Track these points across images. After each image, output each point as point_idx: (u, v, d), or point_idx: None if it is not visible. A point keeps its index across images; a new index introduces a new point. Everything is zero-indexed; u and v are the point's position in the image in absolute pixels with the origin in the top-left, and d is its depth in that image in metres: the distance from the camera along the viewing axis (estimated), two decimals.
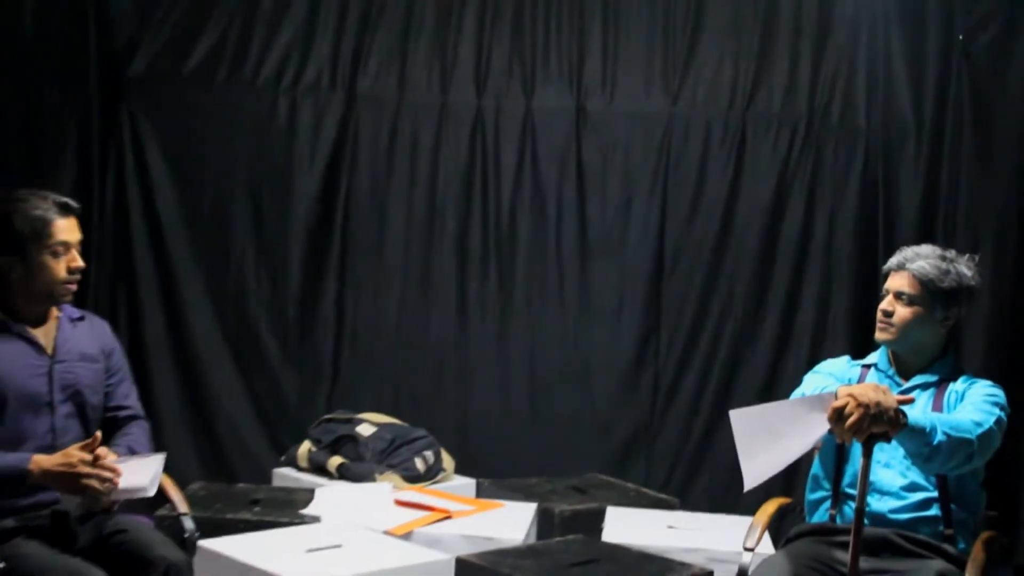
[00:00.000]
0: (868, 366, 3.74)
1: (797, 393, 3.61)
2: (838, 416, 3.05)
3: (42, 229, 3.46)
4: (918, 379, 3.62)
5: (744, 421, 3.19)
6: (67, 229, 3.51)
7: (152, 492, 3.46)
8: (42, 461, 3.28)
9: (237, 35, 6.15)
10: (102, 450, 3.37)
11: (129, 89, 6.06)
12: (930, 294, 3.57)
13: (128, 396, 3.79)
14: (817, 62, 6.21)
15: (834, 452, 3.63)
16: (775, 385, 6.07)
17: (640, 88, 6.25)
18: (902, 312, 3.59)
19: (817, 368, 3.80)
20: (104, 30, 6.05)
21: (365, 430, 5.35)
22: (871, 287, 5.99)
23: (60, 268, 3.50)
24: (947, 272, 3.58)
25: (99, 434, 3.38)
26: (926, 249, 3.65)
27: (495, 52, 6.23)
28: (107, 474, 3.29)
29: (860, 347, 5.46)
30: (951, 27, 6.08)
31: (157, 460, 3.46)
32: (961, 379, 3.59)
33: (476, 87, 6.23)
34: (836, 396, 3.09)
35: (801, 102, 6.21)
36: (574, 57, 6.24)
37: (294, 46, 6.18)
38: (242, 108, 6.17)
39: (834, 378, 3.66)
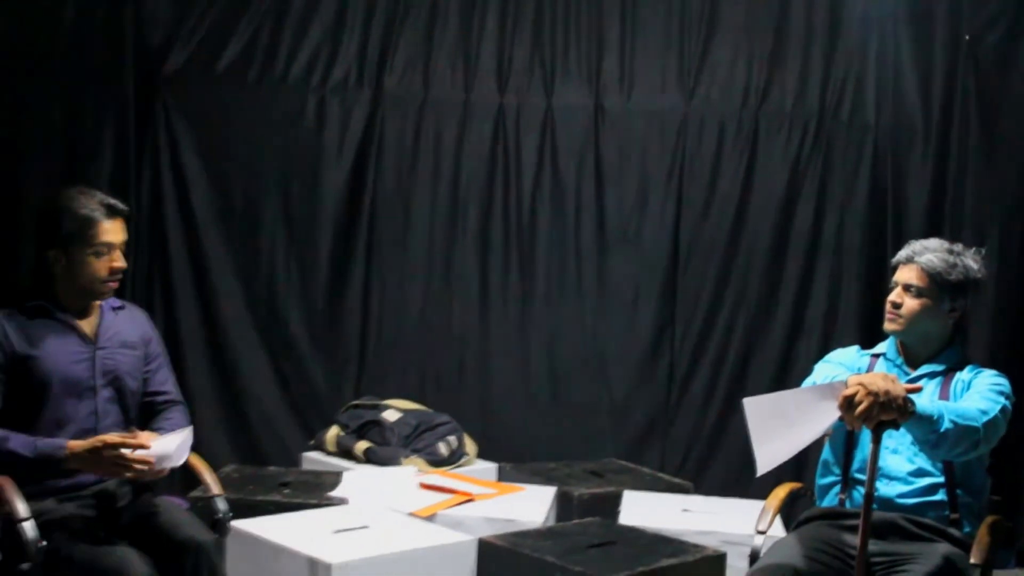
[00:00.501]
0: (877, 355, 3.74)
1: (808, 382, 3.61)
2: (848, 404, 3.06)
3: (88, 229, 3.47)
4: (925, 368, 3.62)
5: (757, 409, 3.19)
6: (112, 231, 3.52)
7: (179, 462, 3.48)
8: (75, 446, 3.30)
9: (268, 34, 6.15)
10: (144, 435, 3.40)
11: (164, 86, 6.07)
12: (938, 286, 3.56)
13: (166, 382, 3.80)
14: (828, 62, 6.20)
15: (844, 438, 3.62)
16: (787, 374, 6.07)
17: (656, 86, 6.25)
18: (910, 304, 3.58)
19: (827, 357, 3.80)
20: (141, 29, 6.07)
21: (391, 416, 5.37)
22: (880, 279, 5.96)
23: (102, 267, 3.51)
24: (954, 265, 3.57)
25: (136, 431, 3.42)
26: (934, 243, 3.65)
27: (516, 51, 6.23)
28: (136, 454, 3.30)
29: (869, 337, 5.43)
30: (958, 29, 6.07)
31: (185, 433, 3.48)
32: (967, 368, 3.59)
33: (498, 85, 6.23)
34: (846, 385, 3.09)
35: (812, 101, 6.20)
36: (593, 56, 6.24)
37: (323, 45, 6.19)
38: (273, 105, 6.18)
39: (844, 367, 3.66)
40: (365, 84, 6.20)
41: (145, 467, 3.31)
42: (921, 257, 3.60)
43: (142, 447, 3.31)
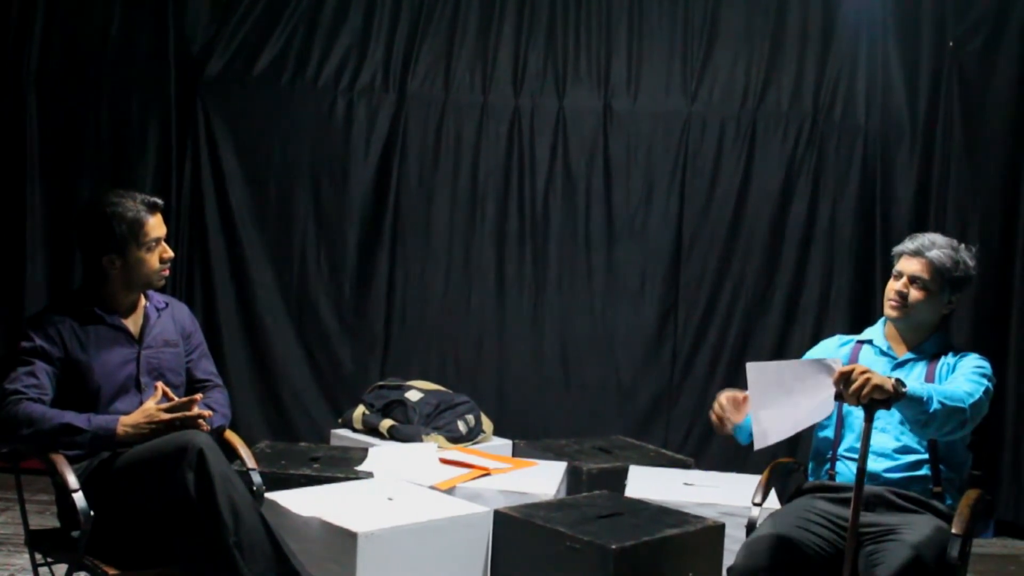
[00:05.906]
0: (862, 342, 3.71)
1: None
2: (845, 379, 3.06)
3: (137, 229, 3.49)
4: (912, 354, 3.60)
5: (759, 374, 3.18)
6: (157, 225, 3.54)
7: None
8: (126, 420, 3.33)
9: (300, 42, 6.17)
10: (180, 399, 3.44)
11: (204, 90, 6.10)
12: (942, 280, 3.53)
13: (207, 369, 3.83)
14: (821, 66, 6.18)
15: (835, 419, 3.61)
16: (782, 356, 6.03)
17: (661, 89, 6.23)
18: (916, 294, 3.54)
19: (809, 353, 3.78)
20: (182, 38, 6.12)
21: (413, 396, 5.36)
22: (869, 268, 5.98)
23: (154, 260, 3.54)
24: (958, 262, 3.54)
25: (160, 387, 3.45)
26: (940, 239, 3.59)
27: (531, 57, 6.22)
28: (190, 413, 3.35)
29: (858, 321, 5.45)
30: (943, 35, 6.04)
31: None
32: (951, 353, 3.57)
33: (514, 88, 6.22)
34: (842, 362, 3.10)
35: (807, 102, 6.18)
36: (602, 61, 6.22)
37: (351, 52, 6.20)
38: (304, 107, 6.19)
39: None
40: (390, 88, 6.20)
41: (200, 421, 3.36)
42: (930, 252, 3.55)
43: (193, 400, 3.37)
